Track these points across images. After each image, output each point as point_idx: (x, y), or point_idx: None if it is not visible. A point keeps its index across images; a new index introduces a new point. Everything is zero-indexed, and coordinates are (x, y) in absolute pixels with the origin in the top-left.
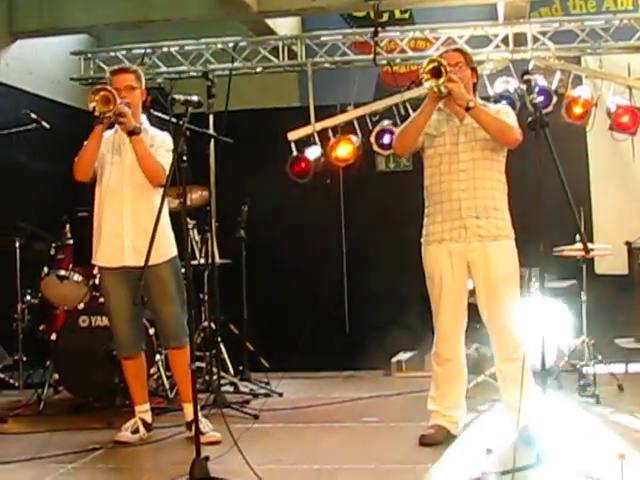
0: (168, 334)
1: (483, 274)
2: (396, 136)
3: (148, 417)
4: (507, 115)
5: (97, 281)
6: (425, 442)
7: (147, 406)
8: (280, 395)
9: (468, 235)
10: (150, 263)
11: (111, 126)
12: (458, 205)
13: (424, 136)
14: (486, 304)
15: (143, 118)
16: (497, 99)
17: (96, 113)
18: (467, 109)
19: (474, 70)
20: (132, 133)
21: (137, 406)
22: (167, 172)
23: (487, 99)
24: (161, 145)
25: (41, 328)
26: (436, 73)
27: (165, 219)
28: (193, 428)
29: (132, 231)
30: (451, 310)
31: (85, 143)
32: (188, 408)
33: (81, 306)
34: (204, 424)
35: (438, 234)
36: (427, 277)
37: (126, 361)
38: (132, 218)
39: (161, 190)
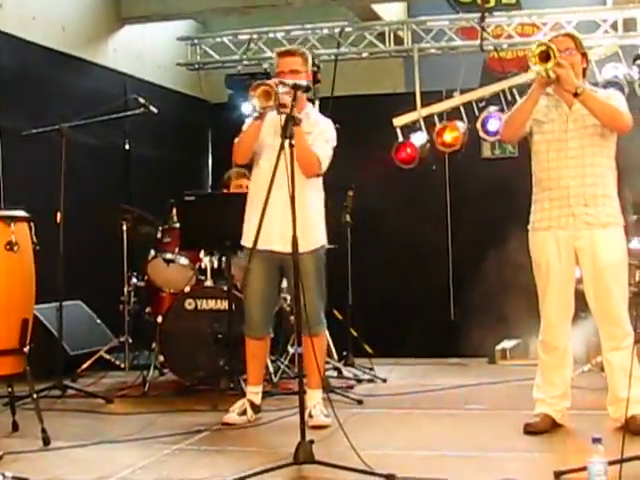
0: (303, 322)
1: (591, 262)
2: (503, 122)
3: (257, 399)
4: (617, 100)
5: (203, 265)
6: (530, 430)
7: (259, 388)
8: (384, 381)
9: (576, 223)
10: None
11: None
12: (567, 192)
13: (532, 122)
14: (594, 292)
15: (308, 103)
16: (605, 85)
17: (257, 109)
18: (575, 95)
19: (584, 55)
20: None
21: (250, 386)
22: (323, 164)
23: (595, 85)
24: (321, 134)
25: (147, 310)
26: (545, 57)
27: (315, 207)
28: (308, 413)
29: (283, 217)
30: (558, 297)
31: (244, 129)
32: (310, 394)
33: (187, 289)
34: (318, 409)
35: (546, 221)
36: (534, 264)
37: (250, 340)
38: (286, 204)
39: (319, 180)
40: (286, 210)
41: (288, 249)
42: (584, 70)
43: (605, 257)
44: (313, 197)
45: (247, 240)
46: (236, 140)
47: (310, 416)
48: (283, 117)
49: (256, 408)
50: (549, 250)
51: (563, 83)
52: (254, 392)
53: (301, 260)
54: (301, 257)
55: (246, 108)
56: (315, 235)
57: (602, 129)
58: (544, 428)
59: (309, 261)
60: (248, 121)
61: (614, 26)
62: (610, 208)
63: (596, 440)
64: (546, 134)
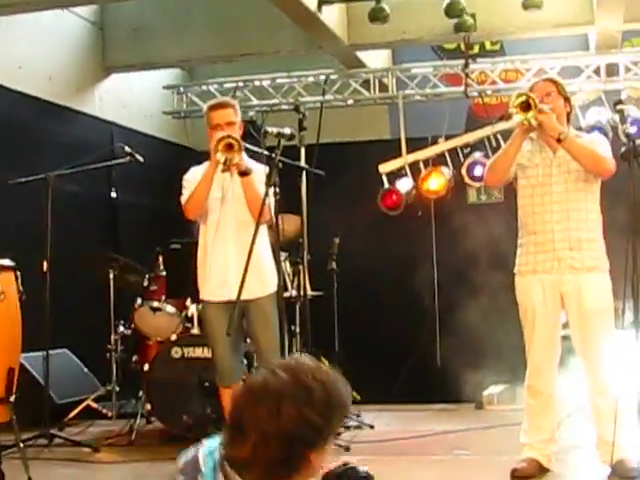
0: (267, 363)
1: (576, 306)
2: (487, 167)
3: None
4: (601, 145)
5: (189, 313)
6: (517, 475)
7: None
8: (371, 427)
9: (561, 267)
10: (254, 296)
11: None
12: (551, 237)
13: (516, 167)
14: (579, 336)
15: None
16: (589, 130)
17: (222, 160)
18: (558, 140)
19: (567, 100)
20: (244, 174)
21: None
22: (273, 209)
23: (580, 130)
24: (262, 180)
25: (134, 359)
26: (525, 106)
27: (267, 252)
28: None
29: (237, 266)
30: (544, 342)
31: (191, 186)
32: None
33: (174, 337)
34: None
35: (531, 265)
36: (520, 308)
37: (226, 389)
38: (236, 253)
39: (264, 226)
40: (240, 258)
41: (247, 296)
42: (568, 114)
43: (591, 301)
44: (263, 242)
45: (205, 293)
46: (185, 196)
47: None
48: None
49: None
50: (535, 294)
51: (546, 129)
52: None
53: (261, 304)
54: (260, 301)
55: None
56: (270, 279)
57: (586, 174)
58: (531, 473)
59: (268, 304)
60: (193, 175)
61: (597, 71)
62: (595, 252)
63: None
64: (530, 179)
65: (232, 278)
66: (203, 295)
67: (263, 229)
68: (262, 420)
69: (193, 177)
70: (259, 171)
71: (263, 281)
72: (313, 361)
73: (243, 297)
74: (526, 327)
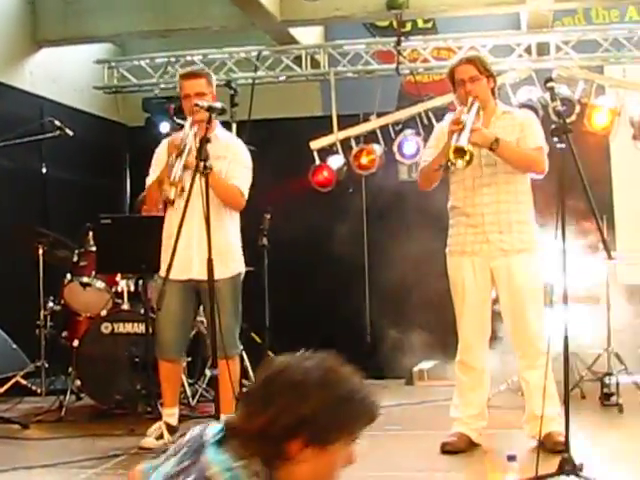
0: (218, 344)
1: (506, 284)
2: (419, 174)
3: (174, 420)
4: (532, 128)
5: (119, 288)
6: (447, 450)
7: (175, 410)
8: None
9: (491, 249)
10: (216, 277)
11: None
12: (481, 219)
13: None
14: (509, 313)
15: (217, 124)
16: (520, 108)
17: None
18: (491, 149)
19: (490, 75)
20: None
21: (166, 408)
22: (246, 194)
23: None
24: (236, 159)
25: (64, 335)
26: (460, 151)
27: (234, 236)
28: None
29: (201, 245)
30: (474, 318)
31: (155, 178)
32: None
33: (104, 313)
34: None
35: (460, 245)
36: (451, 286)
37: (163, 363)
38: (201, 233)
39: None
40: (203, 238)
41: (204, 276)
42: (492, 90)
43: (520, 279)
44: (230, 225)
45: (164, 270)
46: (148, 182)
47: None
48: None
49: (173, 429)
50: (465, 272)
51: (481, 146)
52: (170, 414)
53: (218, 286)
54: (218, 283)
55: (164, 129)
56: (233, 262)
57: None
58: (461, 447)
59: (226, 287)
60: (161, 155)
61: (528, 50)
62: (525, 234)
63: (511, 458)
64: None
65: (195, 258)
66: (162, 271)
67: (235, 214)
68: (286, 401)
69: (161, 157)
70: (237, 150)
71: (223, 262)
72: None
73: (200, 277)
74: (457, 303)
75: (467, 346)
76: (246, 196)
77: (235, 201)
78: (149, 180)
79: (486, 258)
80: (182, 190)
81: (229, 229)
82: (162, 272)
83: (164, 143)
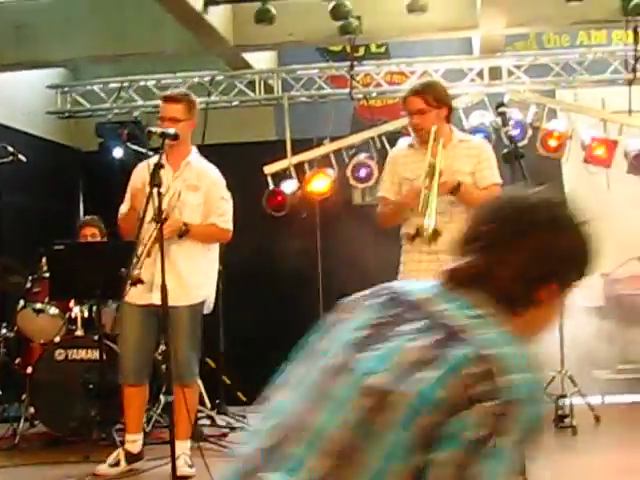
0: (175, 371)
1: None
2: (380, 216)
3: (136, 448)
4: (490, 162)
5: (73, 315)
6: None
7: (137, 437)
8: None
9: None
10: (175, 304)
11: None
12: (435, 244)
13: (402, 180)
14: None
15: (193, 150)
16: (472, 132)
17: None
18: (451, 193)
19: (441, 104)
20: (181, 236)
21: (128, 434)
22: (230, 230)
23: (463, 131)
24: (211, 193)
25: (17, 362)
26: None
27: (202, 264)
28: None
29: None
30: None
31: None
32: (179, 445)
33: (57, 339)
34: (182, 460)
35: (414, 272)
36: None
37: (128, 388)
38: (167, 257)
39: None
40: (167, 264)
41: (170, 302)
42: (447, 117)
43: None
44: (201, 252)
45: (128, 295)
46: (122, 210)
47: None
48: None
49: (134, 457)
50: None
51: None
52: (131, 440)
53: (178, 312)
54: (177, 309)
55: (117, 155)
56: (197, 290)
57: (469, 185)
58: None
59: (185, 314)
60: (136, 180)
61: (480, 74)
62: None
63: None
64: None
65: (157, 283)
66: (127, 297)
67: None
68: (545, 239)
69: (136, 183)
70: (214, 179)
71: (185, 290)
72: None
73: (159, 302)
74: None
75: None
76: (230, 228)
77: (218, 239)
78: (123, 208)
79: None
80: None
81: (198, 257)
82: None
83: (139, 168)
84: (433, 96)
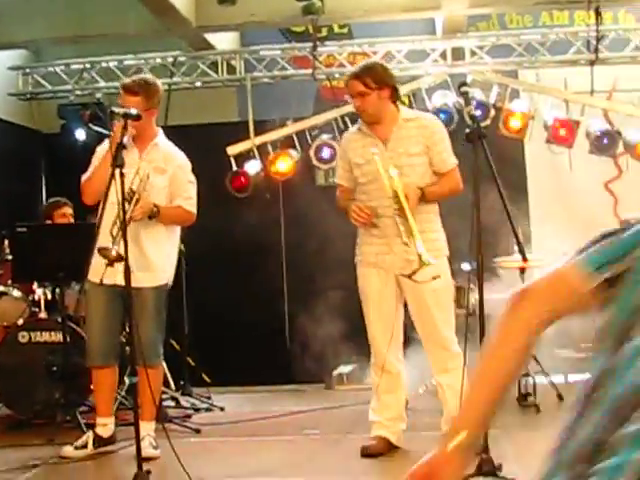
0: (140, 353)
1: (412, 290)
2: (338, 203)
3: (105, 431)
4: (444, 144)
5: (36, 297)
6: (367, 453)
7: (108, 420)
8: (222, 409)
9: (395, 260)
10: (140, 285)
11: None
12: (386, 230)
13: (353, 165)
14: (417, 319)
15: (160, 132)
16: (435, 113)
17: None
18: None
19: (384, 85)
20: (151, 218)
21: (98, 417)
22: (194, 210)
23: (427, 111)
24: (177, 176)
25: None
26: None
27: (172, 245)
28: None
29: (129, 252)
30: (382, 324)
31: (94, 166)
32: (142, 426)
33: (20, 322)
34: (147, 441)
35: (367, 255)
36: (360, 294)
37: (96, 371)
38: (132, 238)
39: None
40: (135, 244)
41: (134, 283)
42: (391, 97)
43: (428, 286)
44: (165, 234)
45: (92, 274)
46: (85, 175)
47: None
48: (127, 152)
49: (104, 441)
50: (372, 281)
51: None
52: (102, 424)
53: (142, 294)
54: (142, 291)
55: (80, 136)
56: (162, 272)
57: (420, 167)
58: (381, 450)
59: (150, 295)
60: (101, 151)
61: (443, 55)
62: (431, 242)
63: None
64: (367, 175)
65: (121, 264)
66: (90, 276)
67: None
68: None
69: (101, 152)
70: (181, 163)
71: (150, 272)
72: None
73: (123, 283)
74: (365, 309)
75: (377, 350)
76: (194, 211)
77: (183, 221)
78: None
79: (391, 268)
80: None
81: (161, 240)
82: (90, 276)
83: (105, 144)
84: (372, 78)
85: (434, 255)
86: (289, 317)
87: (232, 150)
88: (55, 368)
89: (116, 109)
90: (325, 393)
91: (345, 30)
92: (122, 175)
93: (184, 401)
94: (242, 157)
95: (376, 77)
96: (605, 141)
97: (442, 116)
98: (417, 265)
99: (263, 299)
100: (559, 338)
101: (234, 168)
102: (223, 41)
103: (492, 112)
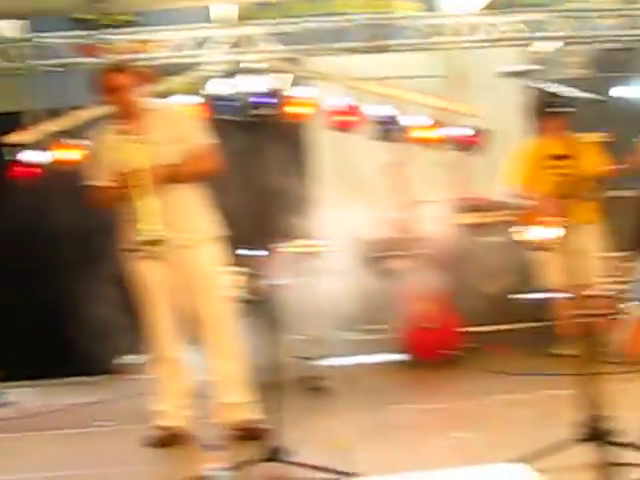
0: None
1: (185, 276)
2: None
3: None
4: (191, 125)
5: None
6: (153, 443)
7: None
8: (13, 404)
9: (168, 246)
10: None
11: None
12: (154, 218)
13: (115, 162)
14: (191, 304)
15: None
16: (217, 100)
17: None
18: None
19: (137, 74)
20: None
21: None
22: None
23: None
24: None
25: None
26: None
27: None
28: None
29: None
30: (161, 310)
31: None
32: None
33: None
34: None
35: (136, 244)
36: (134, 282)
37: None
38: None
39: None
40: None
41: None
42: (142, 84)
43: (197, 271)
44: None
45: None
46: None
47: None
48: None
49: None
50: (145, 267)
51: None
52: None
53: None
54: None
55: None
56: None
57: (177, 155)
58: (168, 439)
59: None
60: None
61: (228, 43)
62: (199, 225)
63: (213, 447)
64: (125, 166)
65: None
66: None
67: None
68: None
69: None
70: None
71: None
72: None
73: None
74: (141, 299)
75: (158, 338)
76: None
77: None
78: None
79: (161, 254)
80: None
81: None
82: None
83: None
84: (118, 72)
85: (200, 239)
86: (70, 306)
87: (12, 140)
88: None
89: None
90: (112, 383)
91: (130, 18)
92: None
93: None
94: (24, 147)
95: (123, 71)
96: (385, 127)
97: (224, 103)
98: None
99: (27, 295)
100: (346, 321)
101: (15, 158)
102: (5, 28)
103: (276, 99)
